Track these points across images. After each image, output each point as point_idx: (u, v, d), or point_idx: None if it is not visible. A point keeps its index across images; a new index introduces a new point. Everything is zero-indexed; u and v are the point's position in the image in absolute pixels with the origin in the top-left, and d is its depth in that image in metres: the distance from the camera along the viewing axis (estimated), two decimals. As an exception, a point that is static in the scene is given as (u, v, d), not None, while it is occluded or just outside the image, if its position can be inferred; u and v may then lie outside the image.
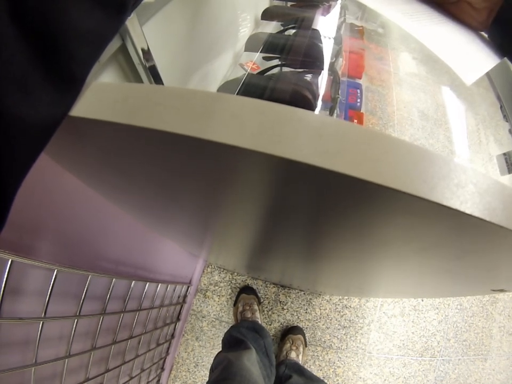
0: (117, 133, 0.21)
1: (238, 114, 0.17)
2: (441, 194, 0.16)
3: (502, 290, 0.44)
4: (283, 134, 0.16)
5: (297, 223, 0.28)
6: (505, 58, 0.47)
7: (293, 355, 1.26)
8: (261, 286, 1.45)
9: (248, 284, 1.44)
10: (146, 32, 0.48)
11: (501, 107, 0.56)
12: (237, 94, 0.67)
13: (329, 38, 0.88)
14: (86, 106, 0.21)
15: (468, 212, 0.16)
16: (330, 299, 1.46)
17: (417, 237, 0.23)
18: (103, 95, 0.21)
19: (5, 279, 0.42)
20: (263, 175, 0.19)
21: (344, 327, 1.44)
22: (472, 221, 0.17)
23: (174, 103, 0.18)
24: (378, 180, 0.15)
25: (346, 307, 1.46)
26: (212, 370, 0.89)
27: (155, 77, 0.54)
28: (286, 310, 1.44)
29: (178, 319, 1.28)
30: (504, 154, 0.52)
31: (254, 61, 0.82)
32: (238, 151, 0.16)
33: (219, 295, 1.43)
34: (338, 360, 1.41)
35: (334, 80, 0.84)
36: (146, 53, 0.50)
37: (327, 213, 0.22)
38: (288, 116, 0.17)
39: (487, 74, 0.50)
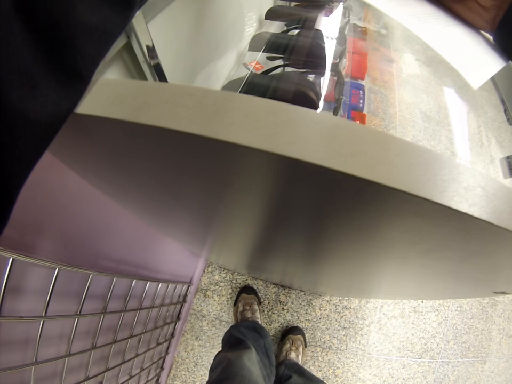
0: (124, 131, 0.20)
1: (251, 114, 0.17)
2: (451, 198, 0.16)
3: (503, 293, 0.44)
4: (296, 135, 0.16)
5: (303, 223, 0.28)
6: (510, 61, 0.47)
7: (292, 355, 1.26)
8: (262, 286, 1.45)
9: (248, 284, 1.44)
10: (151, 30, 0.48)
11: (504, 110, 0.55)
12: (240, 93, 0.67)
13: (333, 39, 0.88)
14: (93, 103, 0.20)
15: (476, 215, 0.16)
16: (331, 300, 1.46)
17: (424, 239, 0.23)
18: (110, 92, 0.20)
19: (5, 278, 0.42)
20: (273, 175, 0.19)
21: (344, 328, 1.44)
22: (479, 224, 0.17)
23: (185, 102, 0.17)
24: (391, 183, 0.15)
25: (347, 308, 1.46)
26: (212, 370, 0.89)
27: (160, 75, 0.54)
28: (286, 310, 1.44)
29: (178, 318, 1.28)
30: (508, 157, 0.52)
31: (258, 61, 0.82)
32: (251, 151, 0.16)
33: (219, 295, 1.43)
34: (338, 361, 1.41)
35: (338, 81, 0.83)
36: (151, 51, 0.50)
37: (335, 213, 0.22)
38: (301, 117, 0.16)
39: (491, 77, 0.50)
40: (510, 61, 0.47)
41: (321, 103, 0.70)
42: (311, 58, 0.78)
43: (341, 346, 1.42)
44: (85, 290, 0.59)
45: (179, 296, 1.25)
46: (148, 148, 0.22)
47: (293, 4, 1.06)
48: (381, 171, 0.15)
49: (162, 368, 1.25)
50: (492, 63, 0.44)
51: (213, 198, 0.30)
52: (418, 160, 0.16)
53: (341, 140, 0.16)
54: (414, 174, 0.15)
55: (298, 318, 1.43)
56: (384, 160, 0.15)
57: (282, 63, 0.82)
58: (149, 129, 0.18)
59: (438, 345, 1.52)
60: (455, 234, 0.21)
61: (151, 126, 0.17)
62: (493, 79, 0.54)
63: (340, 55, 0.89)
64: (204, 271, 1.44)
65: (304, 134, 0.16)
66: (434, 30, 0.42)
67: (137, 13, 0.43)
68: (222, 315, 1.41)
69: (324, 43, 0.82)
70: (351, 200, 0.18)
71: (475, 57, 0.43)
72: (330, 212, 0.22)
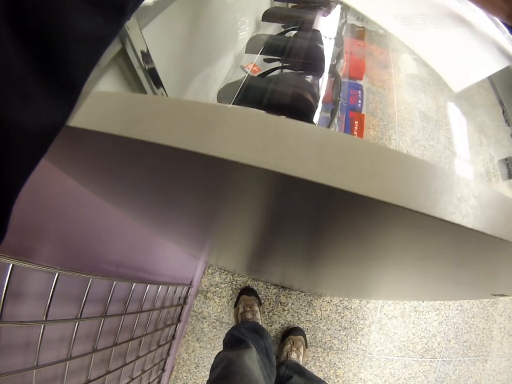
0: (116, 143, 0.20)
1: (241, 129, 0.17)
2: (444, 209, 0.16)
3: (502, 295, 0.44)
4: (286, 149, 0.16)
5: (299, 233, 0.28)
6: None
7: (293, 356, 1.26)
8: (262, 287, 1.45)
9: (248, 285, 1.44)
10: (146, 35, 0.48)
11: (503, 112, 0.56)
12: (237, 96, 0.67)
13: (331, 40, 0.87)
14: (85, 116, 0.20)
15: (469, 226, 0.16)
16: (331, 300, 1.45)
17: (418, 247, 0.23)
18: (102, 105, 0.21)
19: (6, 283, 0.42)
20: (265, 188, 0.19)
21: (345, 328, 1.44)
22: (473, 234, 0.17)
23: (175, 115, 0.17)
24: (382, 197, 0.15)
25: (347, 308, 1.46)
26: (213, 369, 0.88)
27: (155, 80, 0.54)
28: (287, 311, 1.44)
29: (179, 320, 1.28)
30: (506, 159, 0.52)
31: (255, 63, 0.82)
32: (240, 166, 0.16)
33: (220, 296, 1.43)
34: (339, 361, 1.41)
35: (336, 82, 0.83)
36: (146, 56, 0.50)
37: (329, 224, 0.22)
38: (291, 130, 0.16)
39: (490, 78, 0.50)
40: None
41: (319, 105, 0.70)
42: (309, 60, 0.78)
43: (342, 347, 1.42)
44: (85, 294, 0.59)
45: (179, 298, 1.25)
46: (140, 160, 0.22)
47: (289, 5, 1.06)
48: (372, 185, 0.15)
49: (163, 370, 1.25)
50: (481, 67, 0.44)
51: (210, 207, 0.30)
52: (411, 172, 0.16)
53: (331, 153, 0.16)
54: (406, 186, 0.15)
55: (299, 319, 1.43)
56: (374, 174, 0.15)
57: (279, 65, 0.82)
58: (140, 143, 0.18)
59: (439, 345, 1.52)
60: (449, 243, 0.21)
61: (141, 141, 0.17)
62: (491, 80, 0.54)
63: (337, 56, 0.89)
64: (204, 273, 1.44)
65: (293, 148, 0.16)
66: (418, 32, 0.42)
67: (131, 19, 0.43)
68: (223, 316, 1.41)
69: (322, 44, 0.82)
70: (343, 212, 0.18)
71: (460, 61, 0.43)
72: (325, 222, 0.22)
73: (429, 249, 0.23)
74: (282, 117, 0.16)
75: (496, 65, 0.44)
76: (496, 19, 0.52)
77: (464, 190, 0.17)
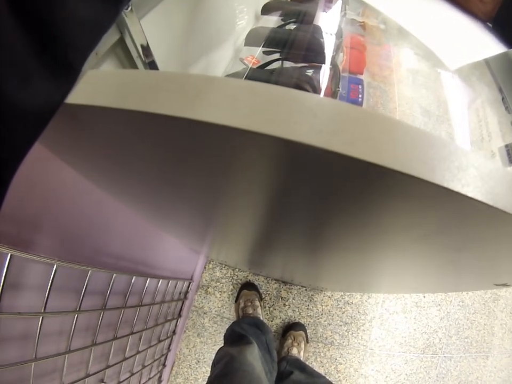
0: (112, 118, 0.20)
1: (230, 95, 0.16)
2: (441, 176, 0.15)
3: (505, 285, 0.43)
4: (277, 113, 0.16)
5: (297, 208, 0.28)
6: (509, 50, 0.47)
7: (294, 351, 1.26)
8: (263, 282, 1.45)
9: (249, 280, 1.44)
10: (144, 26, 0.48)
11: (502, 99, 0.55)
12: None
13: (330, 33, 0.87)
14: (81, 93, 0.21)
15: (470, 195, 0.16)
16: (332, 295, 1.45)
17: (418, 224, 0.22)
18: (98, 82, 0.21)
19: (4, 274, 0.42)
20: (258, 157, 0.18)
21: (346, 323, 1.44)
22: (474, 206, 0.17)
23: (167, 87, 0.17)
24: (374, 159, 0.14)
25: (348, 303, 1.45)
26: (214, 365, 0.88)
27: (153, 69, 0.54)
28: (288, 306, 1.43)
29: (179, 315, 1.28)
30: (506, 146, 0.51)
31: (254, 55, 0.82)
32: (231, 131, 0.16)
33: (220, 291, 1.43)
34: (340, 357, 1.41)
35: (335, 74, 0.83)
36: (145, 49, 0.50)
37: (326, 196, 0.22)
38: (282, 96, 0.16)
39: (489, 66, 0.50)
40: (509, 50, 0.47)
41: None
42: (309, 52, 0.78)
43: (343, 342, 1.42)
44: (84, 287, 0.59)
45: (180, 293, 1.25)
46: (135, 136, 0.22)
47: (289, -2, 1.06)
48: (364, 148, 0.15)
49: (164, 365, 1.25)
50: (478, 49, 0.43)
51: (208, 188, 0.30)
52: (405, 138, 0.15)
53: (322, 118, 0.15)
54: (399, 151, 0.15)
55: (299, 314, 1.43)
56: (367, 137, 0.15)
57: (278, 57, 0.82)
58: (134, 114, 0.18)
59: (440, 341, 1.51)
60: (448, 218, 0.20)
61: (134, 111, 0.17)
62: (490, 68, 0.54)
63: (336, 48, 0.89)
64: (204, 267, 1.44)
65: (284, 112, 0.16)
66: (414, 13, 0.42)
67: (129, 9, 0.43)
68: (224, 311, 1.41)
69: (321, 37, 0.82)
70: (338, 180, 0.18)
71: (456, 41, 0.43)
72: (322, 194, 0.22)
73: (428, 227, 0.23)
74: (272, 85, 0.16)
75: (492, 48, 0.44)
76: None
77: (463, 160, 0.16)
